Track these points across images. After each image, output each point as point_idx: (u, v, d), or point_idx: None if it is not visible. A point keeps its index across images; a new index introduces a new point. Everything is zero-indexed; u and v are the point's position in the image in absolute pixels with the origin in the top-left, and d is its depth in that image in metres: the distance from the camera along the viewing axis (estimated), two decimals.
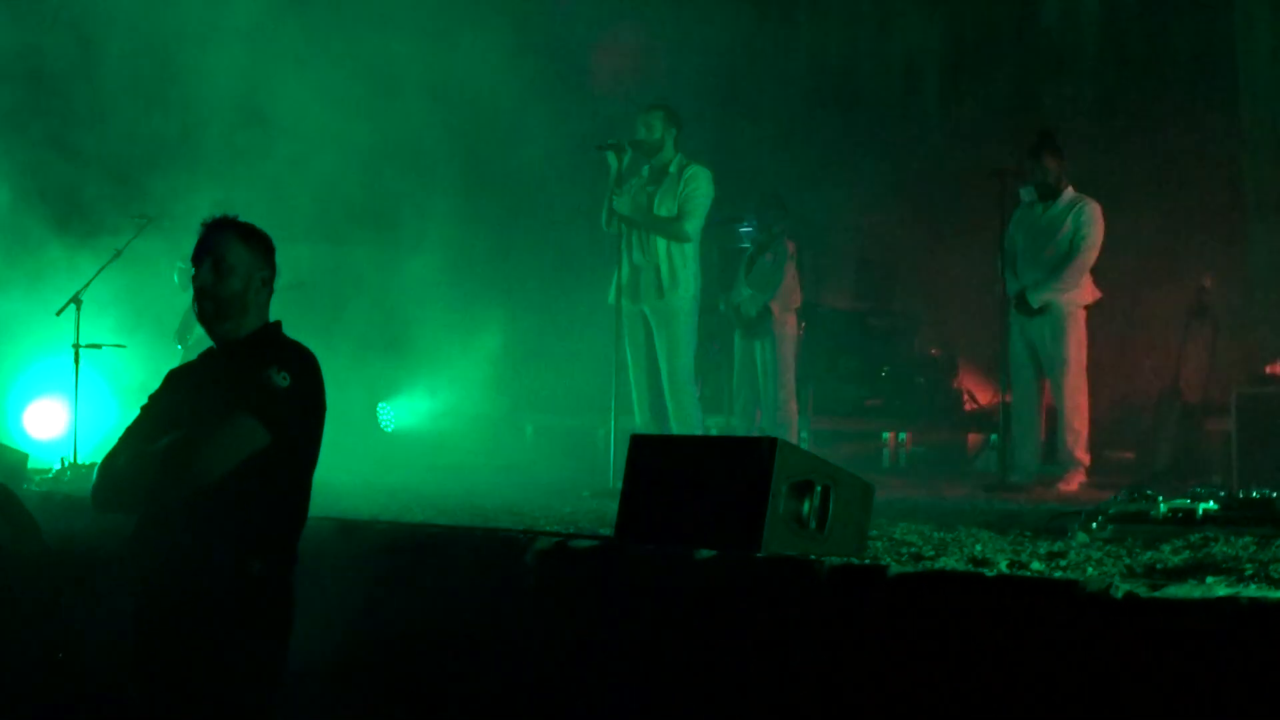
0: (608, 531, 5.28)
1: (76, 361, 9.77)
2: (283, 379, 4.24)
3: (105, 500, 4.29)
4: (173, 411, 4.35)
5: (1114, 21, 11.98)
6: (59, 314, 9.85)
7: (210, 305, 4.38)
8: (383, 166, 12.84)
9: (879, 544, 5.00)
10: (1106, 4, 11.99)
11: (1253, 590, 3.34)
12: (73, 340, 9.79)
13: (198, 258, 4.40)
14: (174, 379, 4.57)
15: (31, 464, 9.50)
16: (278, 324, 4.51)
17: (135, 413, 4.45)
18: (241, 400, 4.21)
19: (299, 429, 4.34)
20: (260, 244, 4.48)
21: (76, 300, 9.81)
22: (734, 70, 13.81)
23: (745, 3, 14.30)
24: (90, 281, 9.95)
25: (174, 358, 10.50)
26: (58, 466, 9.52)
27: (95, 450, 9.29)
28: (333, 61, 12.38)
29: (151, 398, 4.49)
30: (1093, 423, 9.04)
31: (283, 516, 4.37)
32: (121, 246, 10.31)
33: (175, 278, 10.99)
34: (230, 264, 4.37)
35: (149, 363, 10.52)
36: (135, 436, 4.33)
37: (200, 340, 9.86)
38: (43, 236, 11.70)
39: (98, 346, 10.04)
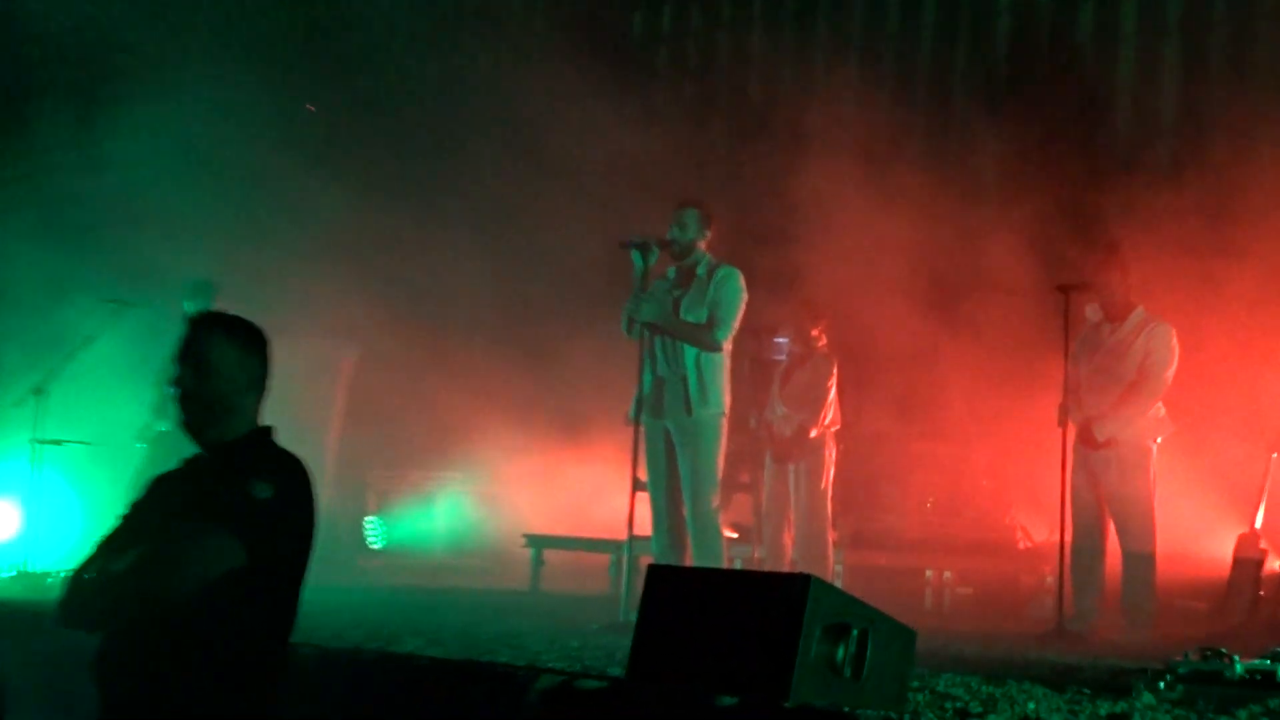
0: (618, 671, 5.27)
1: (35, 458, 9.77)
2: (263, 491, 4.22)
3: (69, 618, 4.28)
4: (148, 523, 4.35)
5: (1191, 121, 12.04)
6: (16, 405, 9.87)
7: (192, 409, 4.39)
8: (379, 271, 13.09)
9: (920, 697, 4.98)
10: (1183, 100, 12.04)
11: None
12: (31, 435, 9.80)
13: (181, 358, 4.41)
14: (157, 487, 4.56)
15: None
16: (268, 429, 4.50)
17: (113, 521, 4.46)
18: (217, 514, 4.19)
19: (281, 548, 4.31)
20: (249, 341, 4.48)
21: (38, 390, 9.82)
22: (774, 173, 13.97)
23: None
24: (54, 370, 9.97)
25: (137, 457, 10.55)
26: (8, 574, 9.50)
27: (57, 557, 9.31)
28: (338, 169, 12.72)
29: (133, 506, 4.49)
30: (1161, 569, 9.01)
31: (262, 644, 4.34)
32: (91, 333, 10.34)
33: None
34: (213, 364, 4.38)
35: (118, 464, 10.53)
36: (108, 549, 4.32)
37: (164, 438, 9.96)
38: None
39: (59, 443, 10.06)
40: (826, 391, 10.61)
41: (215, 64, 14.75)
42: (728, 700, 4.43)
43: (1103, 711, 4.73)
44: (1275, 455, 9.75)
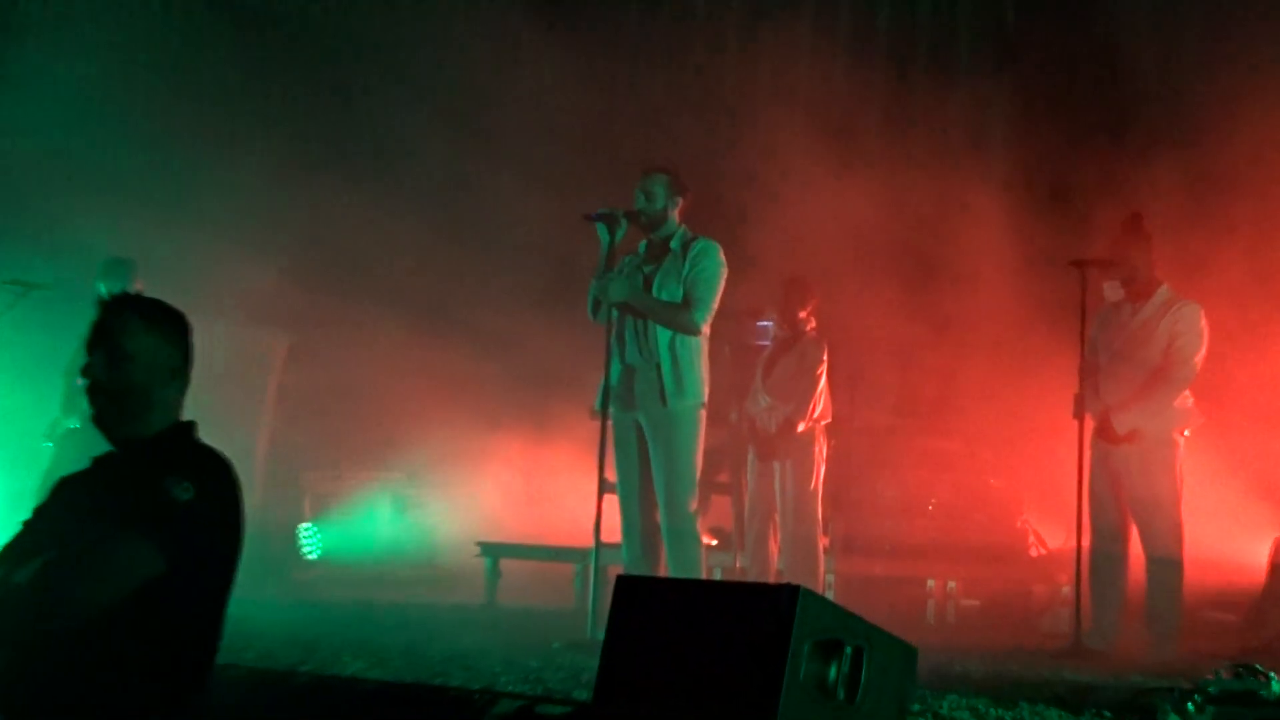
0: (584, 694, 5.26)
1: None
2: (184, 491, 4.19)
3: None
4: (55, 529, 4.32)
5: (1218, 84, 12.09)
6: None
7: (105, 402, 4.37)
8: (314, 250, 13.06)
9: None
10: (1208, 61, 12.11)
11: None
12: None
13: (92, 346, 4.40)
14: (65, 489, 4.54)
15: None
16: (190, 425, 4.49)
17: (15, 528, 4.42)
18: (132, 517, 4.16)
19: (204, 555, 4.30)
20: (169, 326, 4.47)
21: None
22: (754, 141, 13.99)
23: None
24: None
25: (44, 457, 10.52)
26: None
27: None
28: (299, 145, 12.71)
29: (36, 511, 4.47)
30: (1190, 577, 9.03)
31: (182, 665, 4.33)
32: None
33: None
34: (129, 352, 4.36)
35: (21, 464, 10.49)
36: (9, 558, 4.29)
37: (74, 435, 9.93)
38: None
39: None
40: (816, 380, 10.58)
41: (128, 20, 14.68)
42: None
43: None
44: None
